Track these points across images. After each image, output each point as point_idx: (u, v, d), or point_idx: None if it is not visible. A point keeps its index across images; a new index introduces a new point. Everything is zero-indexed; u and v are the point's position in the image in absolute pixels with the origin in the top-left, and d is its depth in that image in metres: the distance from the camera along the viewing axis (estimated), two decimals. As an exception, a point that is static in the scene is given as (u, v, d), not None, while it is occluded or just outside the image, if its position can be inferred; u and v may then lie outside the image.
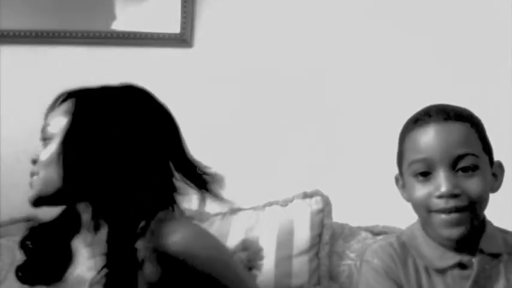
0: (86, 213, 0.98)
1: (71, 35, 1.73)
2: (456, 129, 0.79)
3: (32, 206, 0.99)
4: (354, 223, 1.45)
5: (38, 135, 1.71)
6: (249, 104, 1.70)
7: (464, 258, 0.80)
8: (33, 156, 1.02)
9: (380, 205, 1.59)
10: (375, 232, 1.44)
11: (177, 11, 1.72)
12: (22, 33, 1.74)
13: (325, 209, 1.39)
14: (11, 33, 1.74)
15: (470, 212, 0.77)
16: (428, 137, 0.80)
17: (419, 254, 0.81)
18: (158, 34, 1.72)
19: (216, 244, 0.97)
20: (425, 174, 0.80)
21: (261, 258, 1.28)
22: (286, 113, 1.69)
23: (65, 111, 1.01)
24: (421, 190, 0.80)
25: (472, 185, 0.77)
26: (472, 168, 0.78)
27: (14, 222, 1.44)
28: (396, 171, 1.66)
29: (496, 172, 0.85)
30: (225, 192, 1.59)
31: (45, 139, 1.02)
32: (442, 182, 0.77)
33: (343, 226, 1.43)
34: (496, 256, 0.81)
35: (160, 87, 1.74)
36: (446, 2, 1.68)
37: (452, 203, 0.76)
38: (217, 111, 1.70)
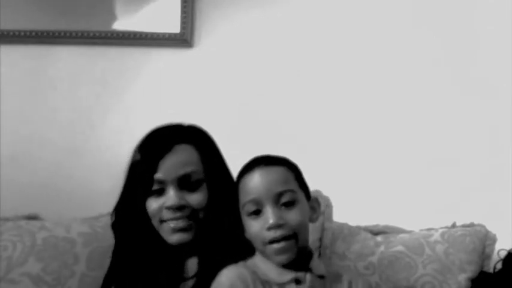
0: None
1: (71, 35, 1.73)
2: (276, 171, 0.96)
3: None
4: (353, 223, 1.45)
5: (38, 135, 1.73)
6: (249, 104, 1.70)
7: (299, 274, 0.95)
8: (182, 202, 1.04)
9: (380, 205, 1.59)
10: (375, 232, 1.44)
11: (177, 11, 1.72)
12: (22, 33, 1.74)
13: (326, 211, 1.38)
14: (11, 33, 1.74)
15: (295, 239, 0.93)
16: (254, 180, 0.95)
17: (263, 275, 0.95)
18: (158, 34, 1.72)
19: None
20: (257, 213, 0.94)
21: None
22: (286, 113, 1.69)
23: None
24: (254, 226, 0.94)
25: (293, 215, 0.93)
26: (292, 203, 0.94)
27: (16, 219, 1.44)
28: (397, 171, 1.68)
29: (313, 206, 1.01)
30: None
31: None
32: (269, 216, 0.92)
33: (342, 226, 1.42)
34: (321, 277, 0.97)
35: (161, 87, 1.76)
36: (447, 2, 1.68)
37: (279, 233, 0.92)
38: (217, 111, 1.70)
